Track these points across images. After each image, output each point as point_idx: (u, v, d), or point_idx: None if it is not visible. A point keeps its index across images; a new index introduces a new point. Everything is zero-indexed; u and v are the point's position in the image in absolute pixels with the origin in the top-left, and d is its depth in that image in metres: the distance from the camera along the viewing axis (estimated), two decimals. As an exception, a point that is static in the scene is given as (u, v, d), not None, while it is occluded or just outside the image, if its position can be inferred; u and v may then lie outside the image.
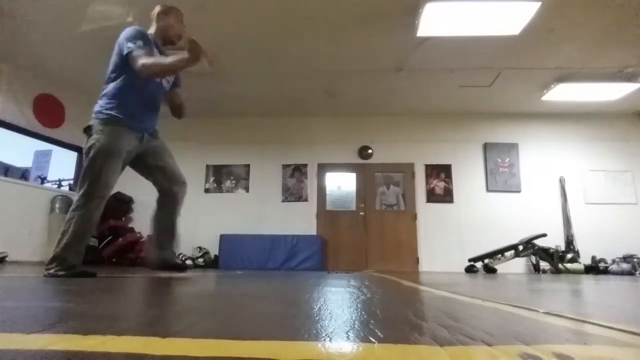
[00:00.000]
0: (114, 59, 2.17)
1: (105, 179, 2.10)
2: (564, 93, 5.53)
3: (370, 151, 6.57)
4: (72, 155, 6.20)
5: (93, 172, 2.08)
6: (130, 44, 2.07)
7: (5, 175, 5.35)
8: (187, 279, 2.17)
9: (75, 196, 2.15)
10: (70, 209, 2.08)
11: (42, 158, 6.55)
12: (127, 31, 2.16)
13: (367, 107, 6.39)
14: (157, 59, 2.13)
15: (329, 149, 6.62)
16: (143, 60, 2.04)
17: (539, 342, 0.56)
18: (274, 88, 5.76)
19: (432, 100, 6.12)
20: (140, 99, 2.22)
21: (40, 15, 4.02)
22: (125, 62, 2.10)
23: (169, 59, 2.10)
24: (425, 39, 4.32)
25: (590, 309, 1.16)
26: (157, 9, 2.38)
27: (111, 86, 2.15)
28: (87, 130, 2.14)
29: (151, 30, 2.32)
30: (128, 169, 2.32)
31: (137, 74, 2.09)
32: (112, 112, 2.12)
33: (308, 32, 4.31)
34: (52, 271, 1.96)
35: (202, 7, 3.81)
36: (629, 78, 5.09)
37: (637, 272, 5.42)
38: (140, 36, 2.14)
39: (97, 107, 2.15)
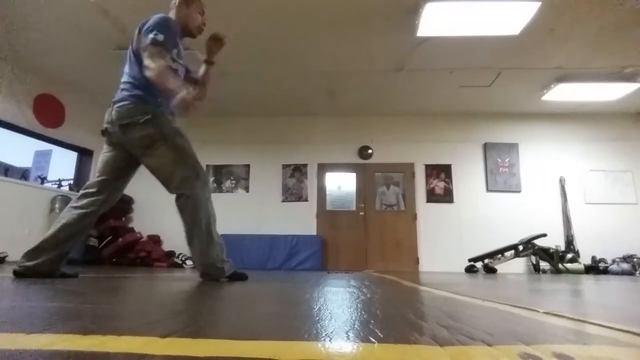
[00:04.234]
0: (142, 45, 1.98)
1: None
2: (564, 93, 5.53)
3: (370, 151, 6.57)
4: (72, 155, 6.20)
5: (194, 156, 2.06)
6: (151, 36, 1.89)
7: (5, 175, 5.33)
8: (187, 279, 2.17)
9: (187, 193, 2.00)
10: (198, 204, 1.99)
11: (42, 158, 6.54)
12: (157, 19, 1.97)
13: (367, 107, 6.39)
14: (171, 79, 1.91)
15: (329, 149, 6.62)
16: (158, 65, 1.85)
17: (539, 342, 0.56)
18: (274, 88, 5.76)
19: (432, 100, 6.12)
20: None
21: (40, 15, 4.02)
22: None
23: (178, 84, 1.90)
24: (425, 39, 4.32)
25: (590, 309, 1.16)
26: None
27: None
28: (149, 123, 1.94)
29: None
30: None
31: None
32: (164, 109, 2.02)
33: (308, 32, 4.30)
34: (216, 274, 2.01)
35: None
36: (629, 78, 5.09)
37: (637, 272, 5.42)
38: (167, 29, 1.95)
39: (147, 95, 1.96)
